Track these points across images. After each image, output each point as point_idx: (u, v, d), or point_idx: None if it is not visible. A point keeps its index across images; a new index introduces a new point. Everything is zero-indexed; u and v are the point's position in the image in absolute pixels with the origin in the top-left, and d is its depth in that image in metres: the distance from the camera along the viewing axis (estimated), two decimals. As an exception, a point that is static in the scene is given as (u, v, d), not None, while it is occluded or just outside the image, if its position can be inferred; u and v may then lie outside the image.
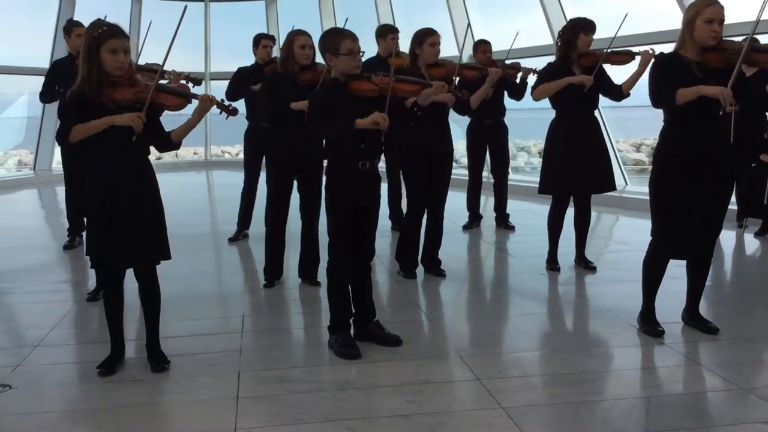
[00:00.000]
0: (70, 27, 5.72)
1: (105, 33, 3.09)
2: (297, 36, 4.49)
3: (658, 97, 3.56)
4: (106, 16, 3.94)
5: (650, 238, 3.71)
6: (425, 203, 4.88)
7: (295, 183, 4.73)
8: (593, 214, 5.11)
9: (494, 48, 6.50)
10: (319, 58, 4.54)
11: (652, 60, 3.83)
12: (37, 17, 12.33)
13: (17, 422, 2.87)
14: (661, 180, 3.62)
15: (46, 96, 5.92)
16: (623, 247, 5.97)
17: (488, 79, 4.86)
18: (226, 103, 3.54)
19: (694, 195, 3.52)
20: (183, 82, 5.35)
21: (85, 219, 5.86)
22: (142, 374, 3.32)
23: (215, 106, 3.45)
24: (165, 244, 3.34)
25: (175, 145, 3.39)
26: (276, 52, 6.05)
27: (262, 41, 6.06)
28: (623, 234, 6.75)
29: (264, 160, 5.94)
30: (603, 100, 4.96)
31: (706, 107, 3.41)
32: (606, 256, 5.62)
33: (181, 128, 3.35)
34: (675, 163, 3.56)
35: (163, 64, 3.43)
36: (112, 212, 3.18)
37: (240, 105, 6.05)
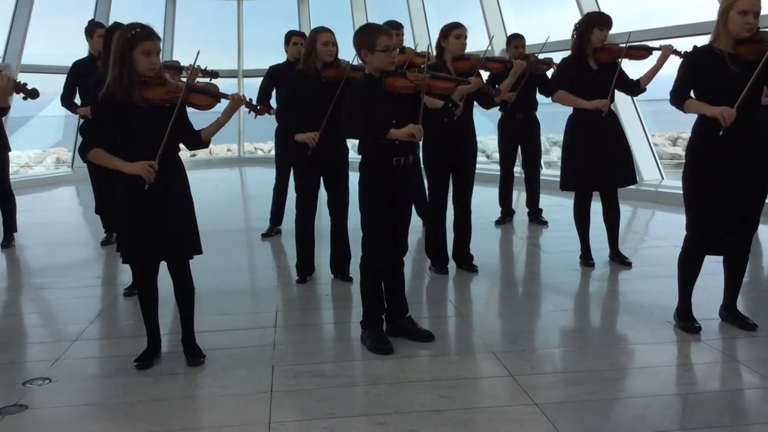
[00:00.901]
0: (92, 28, 5.83)
1: (139, 35, 3.13)
2: (320, 33, 4.49)
3: (672, 99, 3.57)
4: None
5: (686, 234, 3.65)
6: (447, 196, 4.86)
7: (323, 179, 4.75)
8: (629, 209, 5.05)
9: (528, 42, 6.45)
10: (342, 56, 4.56)
11: (672, 55, 3.78)
12: (73, 17, 12.53)
13: (57, 414, 2.93)
14: (694, 174, 3.57)
15: (66, 99, 5.97)
16: (659, 243, 5.88)
17: (512, 72, 4.83)
18: (254, 102, 3.57)
19: (729, 190, 3.46)
20: (200, 77, 5.41)
21: (101, 217, 6.06)
22: (178, 368, 3.36)
23: (244, 106, 3.49)
24: (196, 239, 3.38)
25: (204, 144, 3.44)
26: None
27: (293, 38, 6.07)
28: (659, 229, 6.65)
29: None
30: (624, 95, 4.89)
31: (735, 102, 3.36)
32: (642, 251, 5.54)
33: (210, 127, 3.40)
34: (708, 157, 3.50)
35: (194, 63, 3.48)
36: (142, 208, 3.23)
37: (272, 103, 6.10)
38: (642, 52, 4.80)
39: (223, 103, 3.39)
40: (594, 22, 4.67)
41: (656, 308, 4.02)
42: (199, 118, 3.46)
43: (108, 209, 6.00)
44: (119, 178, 3.25)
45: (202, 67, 5.48)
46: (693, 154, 3.60)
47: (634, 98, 7.64)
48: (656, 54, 4.72)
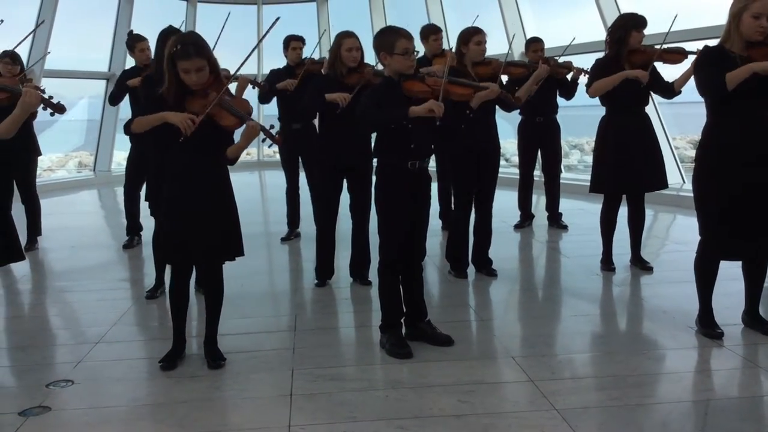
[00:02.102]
0: (132, 43, 5.89)
1: (177, 53, 3.18)
2: (344, 39, 4.50)
3: (707, 85, 3.45)
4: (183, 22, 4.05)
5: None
6: (471, 201, 4.85)
7: (345, 183, 4.76)
8: (649, 213, 5.01)
9: (547, 45, 6.43)
10: (367, 59, 4.58)
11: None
12: (95, 22, 12.68)
13: (79, 416, 2.96)
14: (703, 178, 3.54)
15: (115, 99, 6.13)
16: (681, 247, 5.82)
17: (533, 76, 4.83)
18: (274, 131, 3.54)
19: (741, 194, 3.42)
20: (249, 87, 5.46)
21: (131, 223, 6.13)
22: (199, 371, 3.39)
23: (262, 133, 3.45)
24: (238, 242, 3.42)
25: (230, 161, 3.43)
26: (306, 53, 6.09)
27: (291, 43, 6.05)
28: (681, 233, 6.59)
29: (301, 160, 6.03)
30: (658, 97, 4.86)
31: (752, 104, 3.33)
32: (663, 256, 5.50)
33: (232, 148, 3.41)
34: (717, 160, 3.46)
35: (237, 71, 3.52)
36: (182, 210, 3.29)
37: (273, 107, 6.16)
38: (677, 56, 4.73)
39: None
40: (631, 25, 4.62)
41: (678, 313, 3.98)
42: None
43: (135, 215, 6.11)
44: (165, 182, 3.32)
45: (251, 77, 5.57)
46: (703, 158, 3.57)
47: (655, 101, 7.61)
48: (692, 58, 4.65)
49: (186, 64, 3.18)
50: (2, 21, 3.48)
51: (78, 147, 16.05)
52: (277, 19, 3.60)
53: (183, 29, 4.55)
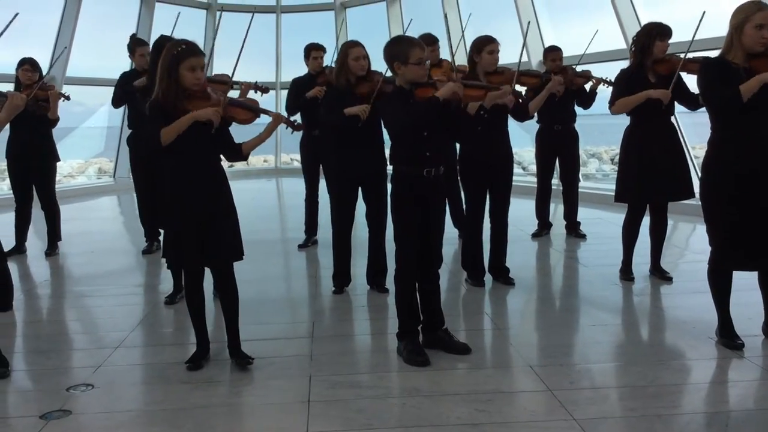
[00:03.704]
0: (133, 47, 6.01)
1: (185, 51, 3.26)
2: (350, 48, 4.52)
3: (721, 101, 3.43)
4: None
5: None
6: (483, 208, 4.85)
7: (361, 191, 4.78)
8: (669, 222, 4.97)
9: (566, 53, 6.42)
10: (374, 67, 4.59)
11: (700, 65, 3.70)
12: (116, 30, 12.81)
13: (99, 420, 2.99)
14: (711, 190, 3.52)
15: (117, 102, 6.24)
16: (701, 257, 5.71)
17: (546, 88, 4.83)
18: (293, 120, 3.66)
19: (748, 204, 3.39)
20: (252, 92, 5.52)
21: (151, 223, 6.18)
22: (217, 376, 3.41)
23: (284, 123, 3.58)
24: (239, 245, 3.47)
25: (244, 156, 3.53)
26: (327, 61, 6.12)
27: (312, 52, 6.11)
28: (700, 243, 6.48)
29: (322, 168, 6.06)
30: (678, 106, 4.82)
31: (756, 115, 3.32)
32: (682, 266, 5.45)
33: (252, 141, 3.50)
34: (724, 173, 3.44)
35: (232, 75, 3.57)
36: (188, 215, 3.33)
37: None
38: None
39: (264, 118, 3.49)
40: (655, 33, 4.59)
41: (698, 324, 3.95)
42: (241, 132, 3.53)
43: (150, 220, 6.16)
44: (165, 186, 3.36)
45: (254, 83, 5.62)
46: (707, 169, 3.55)
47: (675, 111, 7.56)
48: None
49: (194, 61, 3.25)
50: (17, 14, 3.52)
51: (98, 153, 16.21)
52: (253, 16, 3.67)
53: (203, 38, 4.62)
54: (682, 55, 4.59)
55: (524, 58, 5.23)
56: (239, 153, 3.51)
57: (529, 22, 7.25)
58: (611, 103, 4.76)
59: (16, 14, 3.44)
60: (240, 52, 3.64)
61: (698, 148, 16.75)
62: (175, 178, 3.36)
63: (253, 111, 3.45)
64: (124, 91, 5.98)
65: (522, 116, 4.81)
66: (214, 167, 3.43)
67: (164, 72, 3.27)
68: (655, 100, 4.55)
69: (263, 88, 5.83)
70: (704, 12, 4.72)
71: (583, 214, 6.74)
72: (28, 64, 5.94)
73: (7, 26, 3.41)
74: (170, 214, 3.39)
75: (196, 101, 3.32)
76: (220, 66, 5.25)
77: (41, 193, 6.27)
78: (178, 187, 3.35)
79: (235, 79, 4.12)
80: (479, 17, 11.77)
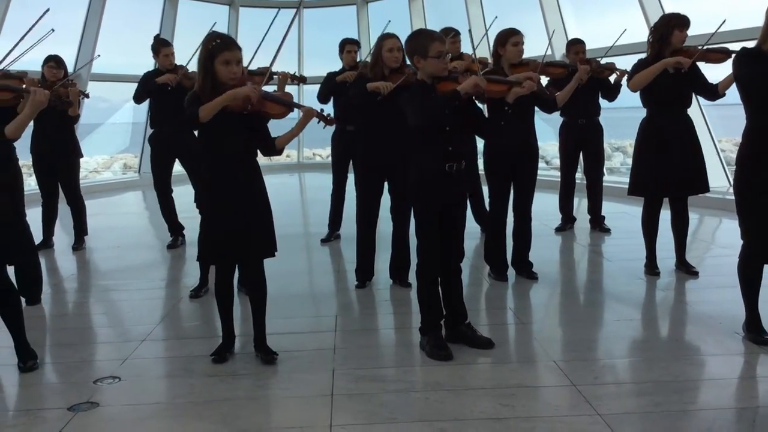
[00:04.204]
0: (158, 47, 6.04)
1: (218, 46, 3.27)
2: (385, 40, 4.53)
3: (760, 85, 3.38)
4: (215, 24, 4.13)
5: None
6: (507, 202, 4.83)
7: (386, 185, 4.78)
8: (695, 216, 4.92)
9: (588, 46, 6.36)
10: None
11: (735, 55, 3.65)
12: (140, 27, 12.95)
13: (126, 412, 3.03)
14: (744, 183, 3.47)
15: (139, 98, 6.24)
16: (727, 252, 5.69)
17: (574, 78, 4.79)
18: (326, 113, 3.66)
19: None
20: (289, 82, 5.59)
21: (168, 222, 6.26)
22: (242, 369, 3.44)
23: (315, 117, 3.59)
24: (273, 241, 3.50)
25: (278, 151, 3.55)
26: (361, 57, 6.14)
27: (346, 46, 6.14)
28: (727, 237, 6.44)
29: (352, 163, 6.07)
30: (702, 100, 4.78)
31: None
32: (708, 260, 5.39)
33: (284, 136, 3.52)
34: (758, 165, 3.39)
35: (271, 65, 3.61)
36: (224, 209, 3.36)
37: (329, 109, 6.19)
38: (720, 56, 4.65)
39: (297, 112, 3.51)
40: (674, 24, 4.56)
41: (724, 319, 3.91)
42: (274, 126, 3.58)
43: (169, 216, 6.24)
44: (203, 182, 3.42)
45: (291, 73, 5.69)
46: (742, 162, 3.51)
47: (700, 103, 7.47)
48: None
49: (228, 55, 3.26)
50: (53, 30, 3.57)
51: (123, 149, 16.40)
52: (296, 13, 3.69)
53: (227, 33, 4.66)
54: (700, 47, 4.56)
55: (549, 52, 5.18)
56: (273, 148, 3.54)
57: (554, 30, 7.21)
58: (629, 79, 4.71)
59: (47, 10, 3.49)
60: (279, 46, 3.67)
61: (724, 141, 16.52)
62: (213, 174, 3.39)
63: (286, 105, 3.46)
64: (146, 89, 6.02)
65: (550, 108, 4.78)
66: (251, 163, 3.45)
67: (201, 66, 3.31)
68: (672, 91, 4.51)
69: (301, 78, 5.91)
70: (724, 20, 4.71)
71: (608, 208, 6.68)
72: (53, 61, 6.01)
73: (37, 21, 3.47)
74: (207, 210, 3.43)
75: None
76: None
77: (66, 190, 6.35)
78: (215, 184, 3.38)
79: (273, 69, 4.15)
80: (501, 10, 11.69)
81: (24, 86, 4.21)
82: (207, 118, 3.25)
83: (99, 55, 9.70)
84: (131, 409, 3.05)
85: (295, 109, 3.53)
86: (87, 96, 6.28)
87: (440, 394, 3.09)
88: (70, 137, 6.26)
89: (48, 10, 3.52)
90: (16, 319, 3.51)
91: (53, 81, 5.91)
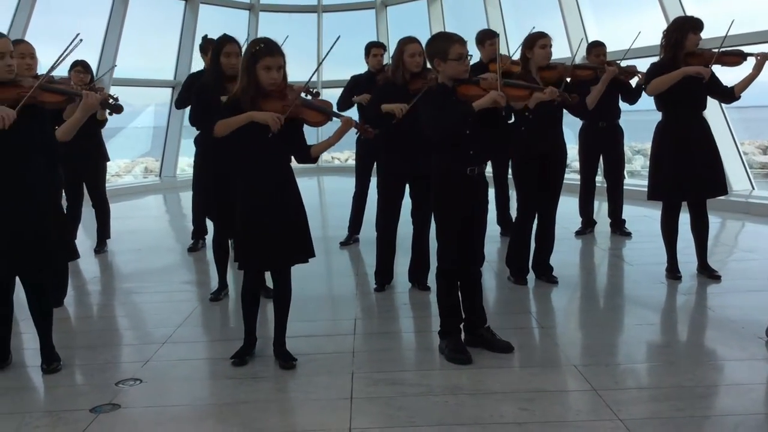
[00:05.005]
0: (206, 46, 6.01)
1: (261, 51, 3.30)
2: (406, 44, 4.52)
3: None
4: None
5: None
6: (535, 207, 4.81)
7: (407, 189, 4.78)
8: (717, 220, 4.88)
9: (609, 48, 6.33)
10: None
11: None
12: (162, 32, 13.06)
13: (147, 414, 3.06)
14: None
15: (182, 103, 6.24)
16: (750, 256, 5.65)
17: (603, 79, 4.77)
18: (366, 125, 3.65)
19: None
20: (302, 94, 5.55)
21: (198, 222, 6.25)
22: (262, 372, 3.45)
23: (354, 128, 3.58)
24: (309, 245, 3.52)
25: (313, 159, 3.57)
26: (386, 60, 6.15)
27: (372, 50, 6.16)
28: (750, 241, 6.38)
29: (375, 167, 6.06)
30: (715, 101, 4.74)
31: None
32: (731, 264, 5.33)
33: (320, 145, 3.55)
34: None
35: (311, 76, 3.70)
36: (261, 216, 3.37)
37: (353, 113, 6.18)
38: (735, 59, 4.63)
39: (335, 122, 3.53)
40: (688, 27, 4.54)
41: (747, 323, 3.86)
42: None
43: (198, 219, 6.25)
44: (239, 189, 3.42)
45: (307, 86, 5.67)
46: None
47: (722, 106, 7.40)
48: (751, 60, 4.54)
49: (270, 61, 3.28)
50: (81, 40, 3.61)
51: (144, 153, 16.53)
52: (338, 38, 3.68)
53: (245, 39, 4.67)
54: (715, 50, 4.52)
55: (568, 55, 5.17)
56: (309, 156, 3.55)
57: (581, 40, 7.17)
58: (645, 84, 4.69)
59: (77, 35, 3.53)
60: (322, 60, 3.73)
61: (747, 144, 16.36)
62: (249, 180, 3.41)
63: (325, 114, 3.47)
64: (190, 93, 6.03)
65: (580, 112, 4.73)
66: (285, 170, 3.46)
67: (243, 70, 3.34)
68: (689, 94, 4.48)
69: (315, 93, 5.91)
70: (733, 21, 4.67)
71: (629, 211, 6.64)
72: (80, 66, 6.07)
73: (71, 50, 3.51)
74: (245, 218, 3.42)
75: (272, 101, 3.35)
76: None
77: (92, 193, 6.40)
78: (251, 190, 3.39)
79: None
80: (521, 13, 11.64)
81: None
82: (221, 134, 3.30)
83: (116, 65, 9.77)
84: (153, 411, 3.08)
85: (334, 119, 3.53)
86: (116, 100, 6.30)
87: (460, 398, 3.08)
88: (96, 141, 6.31)
89: (78, 35, 3.58)
90: (45, 321, 3.55)
91: (80, 86, 5.96)
